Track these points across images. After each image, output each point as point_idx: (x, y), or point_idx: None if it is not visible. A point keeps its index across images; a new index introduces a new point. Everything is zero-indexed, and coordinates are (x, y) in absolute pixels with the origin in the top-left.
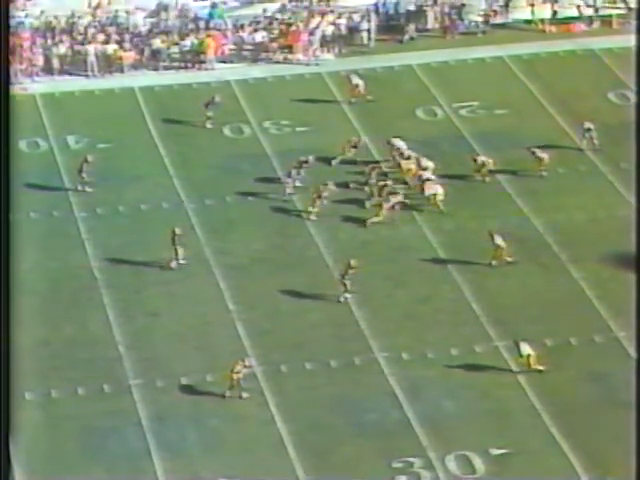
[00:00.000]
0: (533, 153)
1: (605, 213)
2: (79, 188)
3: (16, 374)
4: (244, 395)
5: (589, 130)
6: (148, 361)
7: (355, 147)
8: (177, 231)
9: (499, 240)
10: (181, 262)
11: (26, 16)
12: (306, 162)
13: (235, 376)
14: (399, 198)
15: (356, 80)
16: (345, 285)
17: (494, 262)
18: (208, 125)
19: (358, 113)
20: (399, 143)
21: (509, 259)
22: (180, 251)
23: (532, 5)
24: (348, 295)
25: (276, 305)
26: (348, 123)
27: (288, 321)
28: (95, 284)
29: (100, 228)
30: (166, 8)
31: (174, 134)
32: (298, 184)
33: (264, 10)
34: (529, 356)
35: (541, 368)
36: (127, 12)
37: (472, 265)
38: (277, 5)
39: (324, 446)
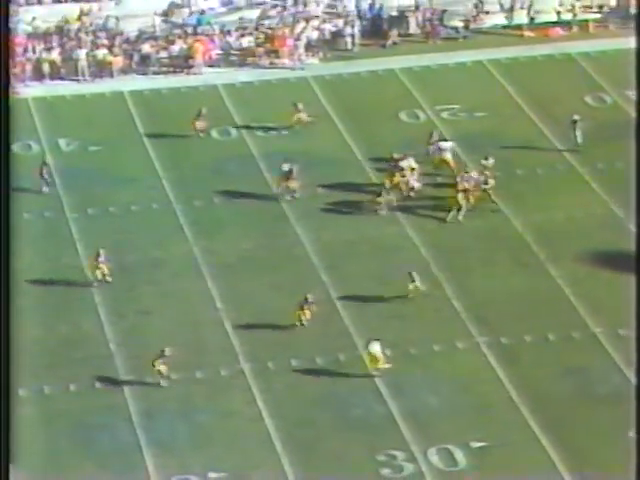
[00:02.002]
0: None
1: (582, 212)
2: (43, 190)
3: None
4: (163, 383)
5: (575, 122)
6: (138, 358)
7: (430, 144)
8: (101, 252)
9: (417, 280)
10: (107, 279)
11: (18, 22)
12: (290, 172)
13: (158, 367)
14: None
15: (300, 108)
16: (301, 317)
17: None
18: (200, 135)
19: (342, 116)
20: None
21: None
22: (105, 270)
23: (508, 15)
24: (304, 324)
25: (263, 303)
26: (333, 125)
27: (275, 319)
28: (86, 283)
29: (91, 229)
30: (180, 7)
31: (163, 137)
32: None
33: (240, 18)
34: (375, 356)
35: (387, 366)
36: (117, 18)
37: (454, 264)
38: (266, 11)
39: (310, 441)
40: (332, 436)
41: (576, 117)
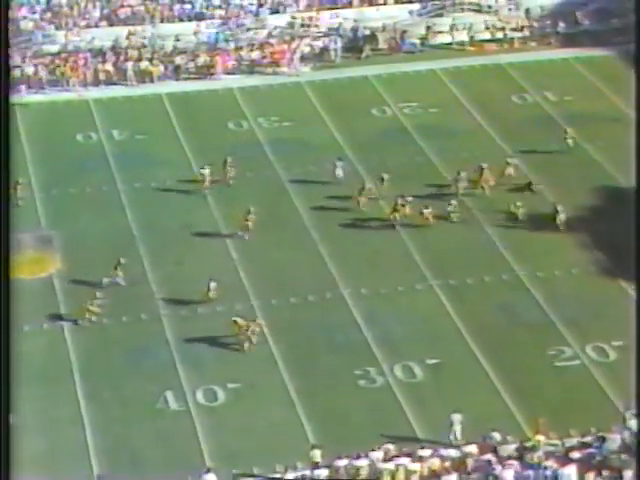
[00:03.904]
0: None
1: (511, 185)
2: (18, 204)
3: (75, 308)
4: (94, 319)
5: (566, 132)
6: (173, 297)
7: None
8: (121, 260)
9: (212, 285)
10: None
11: (81, 41)
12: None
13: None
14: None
15: (206, 171)
16: (250, 339)
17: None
18: (231, 182)
19: (328, 112)
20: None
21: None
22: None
23: (452, 32)
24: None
25: (268, 255)
26: (321, 119)
27: (277, 266)
28: (133, 240)
29: (137, 198)
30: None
31: (191, 128)
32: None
33: (232, 38)
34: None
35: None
36: (155, 36)
37: (413, 225)
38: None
39: (304, 360)
40: (321, 356)
41: (568, 130)
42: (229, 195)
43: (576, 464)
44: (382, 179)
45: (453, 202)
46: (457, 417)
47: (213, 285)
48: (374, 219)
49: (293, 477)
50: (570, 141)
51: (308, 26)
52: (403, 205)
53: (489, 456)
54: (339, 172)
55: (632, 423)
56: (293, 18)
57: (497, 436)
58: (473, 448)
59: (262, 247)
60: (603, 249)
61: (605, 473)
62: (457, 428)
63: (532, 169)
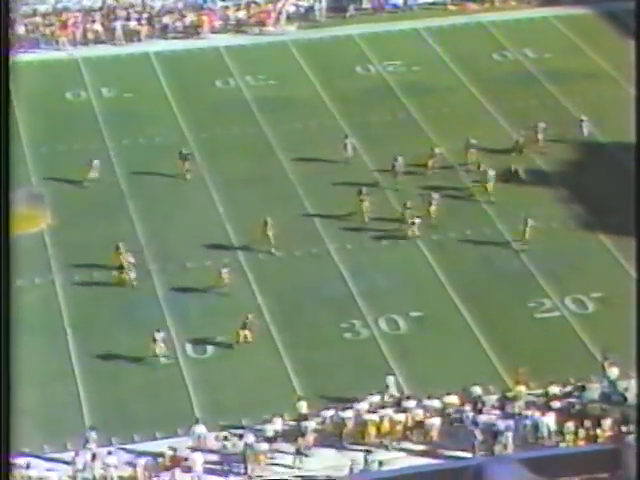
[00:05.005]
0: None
1: (489, 141)
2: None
3: (66, 263)
4: (132, 274)
5: (582, 121)
6: (162, 252)
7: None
8: (120, 245)
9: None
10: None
11: (69, 1)
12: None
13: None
14: None
15: (95, 164)
16: (246, 335)
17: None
18: (188, 176)
19: (314, 70)
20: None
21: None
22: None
23: None
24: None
25: (254, 211)
26: (306, 77)
27: (263, 222)
28: (122, 195)
29: (126, 155)
30: None
31: (178, 86)
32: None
33: None
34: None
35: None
36: None
37: (398, 189)
38: None
39: (292, 313)
40: (307, 309)
41: (583, 117)
42: (214, 150)
43: (555, 413)
44: (395, 163)
45: (436, 150)
46: (391, 379)
47: (225, 270)
48: (354, 171)
49: (280, 428)
50: (585, 130)
51: None
52: (430, 203)
53: (470, 406)
54: (349, 149)
55: (610, 372)
56: None
57: (478, 390)
58: (454, 399)
59: (248, 202)
60: (582, 203)
61: (585, 422)
62: (392, 391)
63: (512, 125)
